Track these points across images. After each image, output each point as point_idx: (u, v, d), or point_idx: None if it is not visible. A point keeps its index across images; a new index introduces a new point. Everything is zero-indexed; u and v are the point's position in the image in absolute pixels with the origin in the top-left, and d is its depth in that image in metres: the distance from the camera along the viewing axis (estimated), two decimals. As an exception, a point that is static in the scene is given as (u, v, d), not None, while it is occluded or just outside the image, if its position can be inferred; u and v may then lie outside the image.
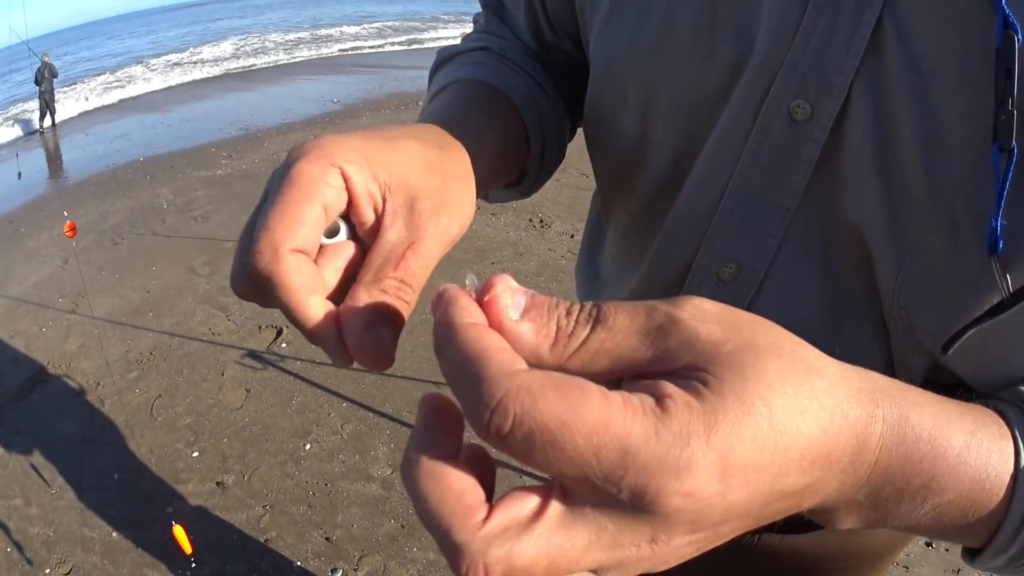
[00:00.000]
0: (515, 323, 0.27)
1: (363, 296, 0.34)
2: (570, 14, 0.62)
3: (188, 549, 2.13)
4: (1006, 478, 0.34)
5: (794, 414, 0.26)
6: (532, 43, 0.67)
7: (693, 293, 0.52)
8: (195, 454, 2.85)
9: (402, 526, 2.44)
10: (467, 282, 0.29)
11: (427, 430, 0.27)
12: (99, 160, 7.81)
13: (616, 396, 0.24)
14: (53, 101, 10.96)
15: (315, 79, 12.03)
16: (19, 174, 6.88)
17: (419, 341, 3.36)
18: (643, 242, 0.60)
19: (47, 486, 2.78)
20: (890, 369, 0.49)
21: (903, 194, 0.43)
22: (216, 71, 12.86)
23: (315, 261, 0.35)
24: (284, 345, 3.51)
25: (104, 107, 11.62)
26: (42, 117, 10.84)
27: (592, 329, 0.27)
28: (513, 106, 0.59)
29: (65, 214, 3.69)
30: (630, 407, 0.24)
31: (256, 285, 0.33)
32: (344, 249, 0.37)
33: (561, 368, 0.27)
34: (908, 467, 0.31)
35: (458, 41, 0.69)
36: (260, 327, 3.67)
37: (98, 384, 3.35)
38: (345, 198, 0.35)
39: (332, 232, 0.37)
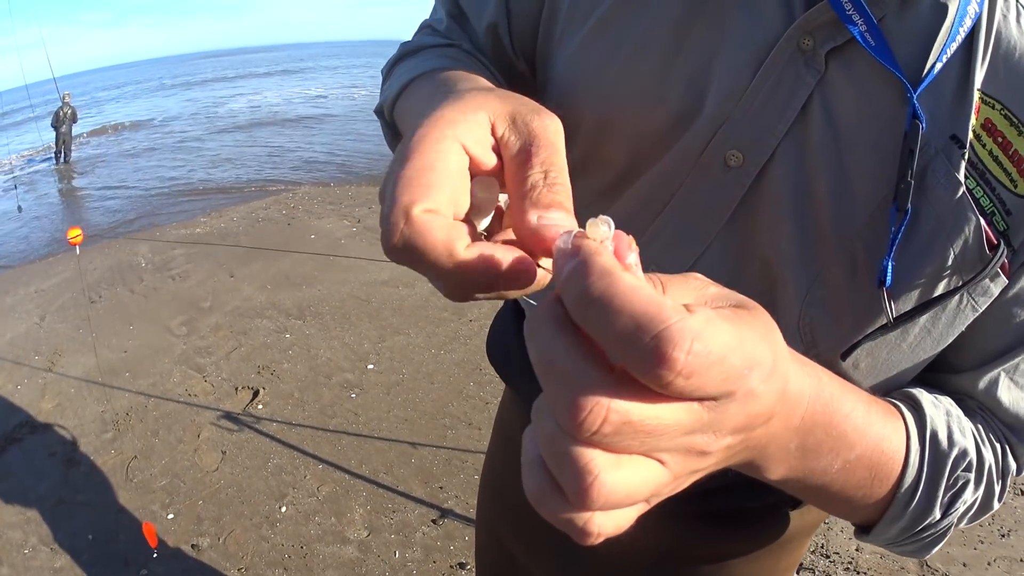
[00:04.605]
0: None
1: (520, 205, 0.34)
2: (533, 35, 0.67)
3: (154, 543, 2.28)
4: (900, 445, 0.41)
5: (778, 346, 0.31)
6: (489, 55, 0.70)
7: None
8: (170, 516, 2.88)
9: (377, 589, 2.49)
10: (602, 228, 0.29)
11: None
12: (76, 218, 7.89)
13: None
14: (70, 143, 11.24)
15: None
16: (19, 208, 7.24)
17: (395, 402, 3.46)
18: None
19: (20, 546, 2.79)
20: None
21: (813, 235, 0.52)
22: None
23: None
24: (260, 407, 3.57)
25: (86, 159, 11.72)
26: (57, 158, 11.17)
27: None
28: None
29: (72, 226, 3.80)
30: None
31: (408, 256, 0.33)
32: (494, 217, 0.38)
33: None
34: (826, 419, 0.36)
35: None
36: (237, 388, 3.73)
37: (74, 444, 3.38)
38: (466, 161, 0.36)
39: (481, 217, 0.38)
